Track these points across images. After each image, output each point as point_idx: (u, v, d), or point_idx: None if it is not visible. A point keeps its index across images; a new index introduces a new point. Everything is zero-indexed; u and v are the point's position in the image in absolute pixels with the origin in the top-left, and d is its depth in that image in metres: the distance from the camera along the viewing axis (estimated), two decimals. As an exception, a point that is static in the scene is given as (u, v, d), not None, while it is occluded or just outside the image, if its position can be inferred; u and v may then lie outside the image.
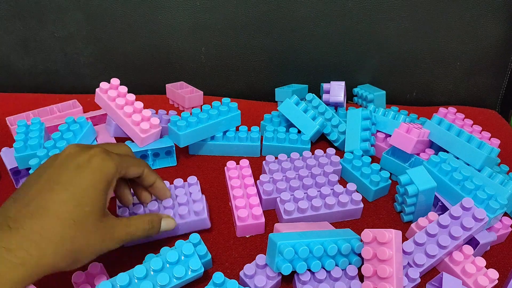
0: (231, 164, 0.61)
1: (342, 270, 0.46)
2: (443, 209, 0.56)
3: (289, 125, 0.70)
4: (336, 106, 0.78)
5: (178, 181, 0.57)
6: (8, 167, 0.58)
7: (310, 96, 0.72)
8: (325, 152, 0.65)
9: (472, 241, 0.51)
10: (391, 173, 0.64)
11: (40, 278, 0.36)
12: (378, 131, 0.69)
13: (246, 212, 0.53)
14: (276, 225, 0.52)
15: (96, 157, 0.41)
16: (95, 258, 0.42)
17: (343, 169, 0.64)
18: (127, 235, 0.44)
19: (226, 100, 0.67)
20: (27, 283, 0.35)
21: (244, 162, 0.61)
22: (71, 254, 0.38)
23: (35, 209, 0.37)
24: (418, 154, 0.62)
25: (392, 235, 0.44)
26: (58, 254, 0.37)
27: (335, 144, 0.70)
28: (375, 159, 0.69)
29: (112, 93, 0.61)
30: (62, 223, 0.37)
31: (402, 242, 0.47)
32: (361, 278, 0.46)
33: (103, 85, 0.62)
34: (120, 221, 0.43)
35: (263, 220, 0.53)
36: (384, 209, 0.59)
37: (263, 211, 0.56)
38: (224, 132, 0.67)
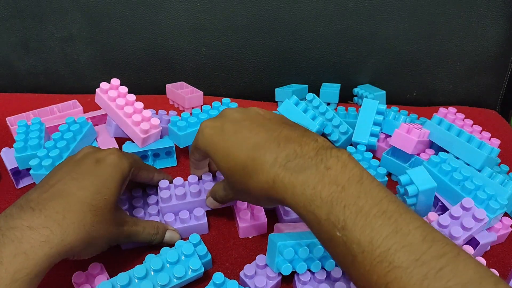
0: None
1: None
2: (443, 209, 0.56)
3: (289, 125, 0.70)
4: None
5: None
6: (8, 167, 0.58)
7: (310, 96, 0.72)
8: (325, 152, 0.64)
9: (472, 241, 0.51)
10: (391, 173, 0.64)
11: (60, 260, 0.38)
12: (378, 131, 0.69)
13: (248, 213, 0.53)
14: (277, 225, 0.52)
15: (113, 155, 0.45)
16: (106, 248, 0.44)
17: None
18: (134, 232, 0.46)
19: (226, 100, 0.67)
20: (51, 262, 0.37)
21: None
22: (89, 238, 0.40)
23: (57, 192, 0.40)
24: (418, 154, 0.62)
25: (392, 235, 0.44)
26: (79, 235, 0.39)
27: (336, 145, 0.69)
28: (375, 157, 0.69)
29: (112, 94, 0.61)
30: (83, 206, 0.40)
31: (402, 242, 0.47)
32: (361, 278, 0.46)
33: (103, 85, 0.62)
34: (130, 218, 0.47)
35: (265, 220, 0.53)
36: (384, 209, 0.59)
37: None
38: (224, 132, 0.67)
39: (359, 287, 0.32)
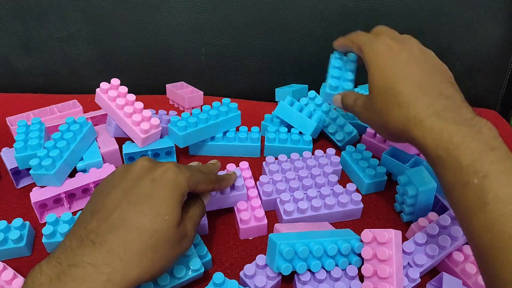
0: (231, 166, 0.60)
1: (342, 270, 0.46)
2: (443, 209, 0.56)
3: (290, 125, 0.70)
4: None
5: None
6: (8, 167, 0.58)
7: (312, 93, 0.72)
8: (325, 152, 0.65)
9: (472, 241, 0.51)
10: (391, 173, 0.64)
11: None
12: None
13: (249, 214, 0.53)
14: (276, 225, 0.52)
15: (169, 172, 0.42)
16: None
17: (343, 160, 0.65)
18: (195, 226, 0.44)
19: (226, 100, 0.67)
20: None
21: (244, 164, 0.61)
22: (154, 264, 0.38)
23: (116, 222, 0.38)
24: (418, 154, 0.62)
25: (392, 235, 0.44)
26: (143, 266, 0.37)
27: (340, 145, 0.69)
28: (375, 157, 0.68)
29: (112, 93, 0.61)
30: (143, 235, 0.38)
31: (402, 242, 0.47)
32: (361, 278, 0.46)
33: (104, 85, 0.62)
34: (188, 218, 0.43)
35: (265, 221, 0.53)
36: (384, 209, 0.59)
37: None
38: (224, 133, 0.67)
39: (477, 233, 0.35)
